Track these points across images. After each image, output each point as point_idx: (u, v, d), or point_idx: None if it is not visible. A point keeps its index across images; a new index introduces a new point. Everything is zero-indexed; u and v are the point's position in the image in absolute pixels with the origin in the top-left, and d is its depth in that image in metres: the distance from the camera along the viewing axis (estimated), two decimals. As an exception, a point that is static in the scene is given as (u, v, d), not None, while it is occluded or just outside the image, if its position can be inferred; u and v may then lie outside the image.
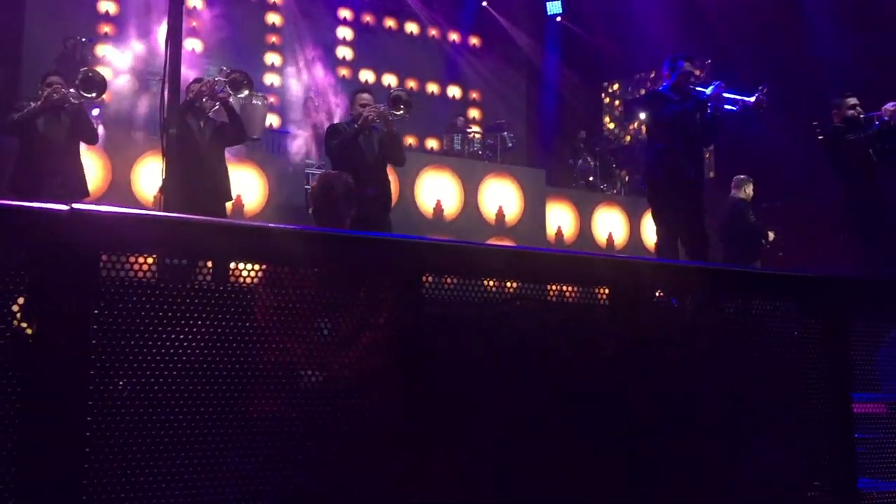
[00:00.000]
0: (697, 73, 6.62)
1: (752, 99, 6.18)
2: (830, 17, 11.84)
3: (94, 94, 7.19)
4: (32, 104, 6.83)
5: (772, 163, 12.66)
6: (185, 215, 1.76)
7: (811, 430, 2.66)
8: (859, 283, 2.95)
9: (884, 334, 3.03)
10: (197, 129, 7.01)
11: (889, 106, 6.58)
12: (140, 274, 1.74)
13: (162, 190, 6.80)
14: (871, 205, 6.68)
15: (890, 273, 6.52)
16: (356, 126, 6.98)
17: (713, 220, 9.05)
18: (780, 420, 2.63)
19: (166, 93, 4.52)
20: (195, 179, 6.84)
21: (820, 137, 7.30)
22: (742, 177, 9.48)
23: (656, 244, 6.56)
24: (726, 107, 6.25)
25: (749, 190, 9.40)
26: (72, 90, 6.90)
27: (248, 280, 1.87)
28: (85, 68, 7.53)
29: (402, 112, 7.19)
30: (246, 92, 7.57)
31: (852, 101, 6.86)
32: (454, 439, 2.18)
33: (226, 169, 7.27)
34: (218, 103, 7.12)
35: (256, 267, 1.90)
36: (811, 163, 9.55)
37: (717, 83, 6.29)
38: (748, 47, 12.45)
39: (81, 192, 6.97)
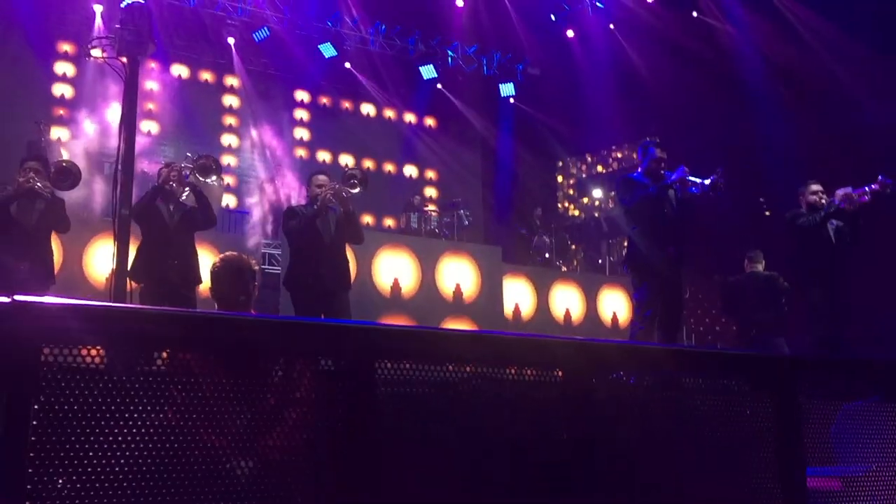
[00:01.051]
0: (665, 158, 6.85)
1: (709, 181, 6.42)
2: (770, 101, 12.32)
3: (67, 184, 7.20)
4: (8, 188, 6.78)
5: (721, 238, 12.95)
6: (128, 305, 1.73)
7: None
8: (810, 362, 2.99)
9: (836, 410, 3.06)
10: (167, 214, 7.02)
11: (840, 191, 6.89)
12: (84, 365, 1.70)
13: (129, 275, 6.81)
14: (827, 283, 6.88)
15: (843, 348, 6.65)
16: (314, 208, 7.01)
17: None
18: (733, 497, 2.62)
19: (119, 176, 4.51)
20: (165, 264, 6.83)
21: (767, 213, 7.57)
22: (751, 253, 9.33)
23: (632, 321, 6.66)
24: (691, 189, 6.47)
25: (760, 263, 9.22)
26: (45, 184, 6.83)
27: (195, 368, 1.84)
28: (60, 160, 7.52)
29: (357, 189, 7.24)
30: (214, 177, 7.58)
31: (815, 187, 7.18)
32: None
33: (195, 253, 7.26)
34: (187, 188, 7.14)
35: (204, 355, 1.87)
36: (758, 238, 9.79)
37: (682, 168, 6.51)
38: (694, 130, 12.85)
39: (48, 279, 6.88)
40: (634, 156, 13.99)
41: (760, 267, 9.06)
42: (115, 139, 5.01)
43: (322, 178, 7.33)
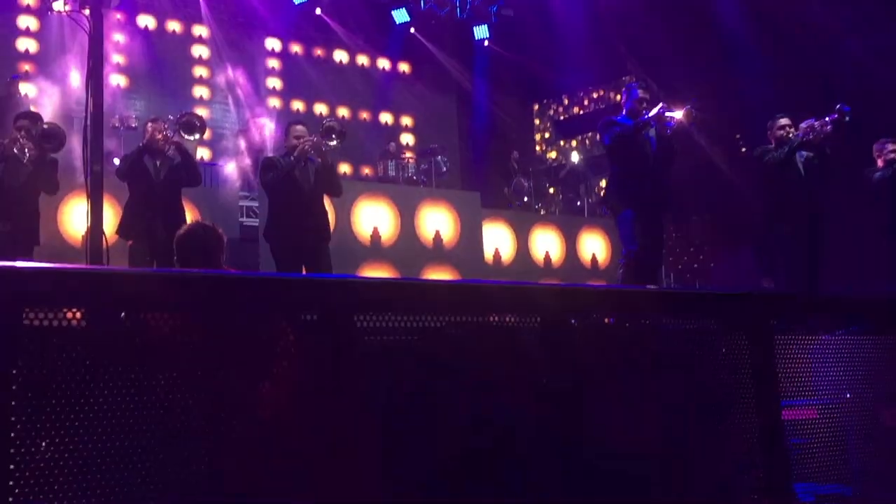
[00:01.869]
0: (650, 97, 6.82)
1: (682, 112, 6.39)
2: (749, 41, 12.27)
3: (51, 147, 7.08)
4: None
5: (699, 178, 13.01)
6: (108, 267, 1.72)
7: (744, 441, 2.71)
8: (781, 297, 3.04)
9: (811, 341, 3.13)
10: (153, 170, 6.98)
11: (803, 124, 6.90)
12: (65, 328, 1.69)
13: (117, 231, 6.79)
14: (797, 216, 6.93)
15: (818, 281, 6.75)
16: (292, 158, 6.95)
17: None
18: (713, 433, 2.68)
19: (89, 131, 4.44)
20: (153, 220, 6.81)
21: (743, 150, 7.62)
22: None
23: (621, 262, 6.67)
24: (669, 124, 6.43)
25: None
26: (29, 145, 6.71)
27: (174, 328, 1.84)
28: (46, 122, 7.37)
29: (335, 142, 7.18)
30: (198, 135, 7.50)
31: (783, 121, 7.17)
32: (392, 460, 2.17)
33: (182, 209, 7.24)
34: (172, 146, 7.08)
35: (186, 314, 1.87)
36: (736, 177, 9.86)
37: (662, 104, 6.48)
38: (669, 69, 12.79)
39: (31, 240, 6.82)
40: (618, 97, 13.95)
41: None
42: (83, 94, 4.91)
43: (300, 128, 7.26)
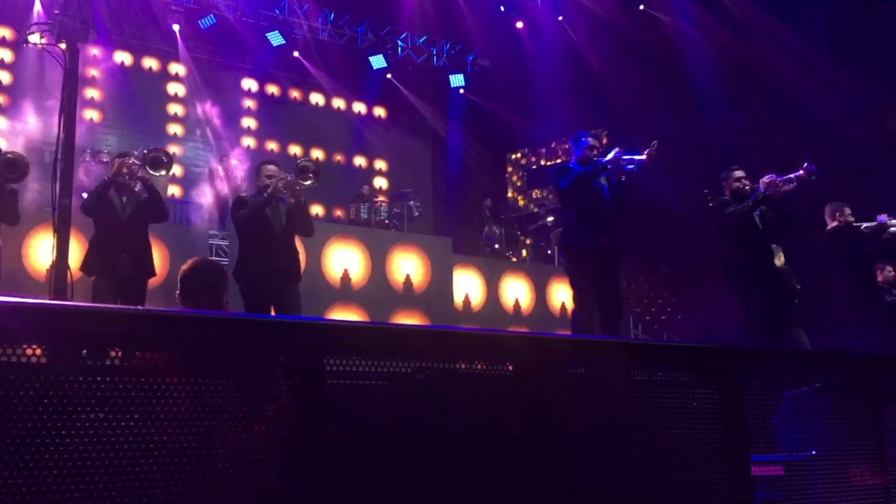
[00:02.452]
0: (599, 145, 6.89)
1: (644, 156, 6.38)
2: (717, 95, 12.53)
3: (14, 177, 7.01)
4: None
5: (669, 230, 13.16)
6: (71, 303, 1.68)
7: (714, 497, 2.70)
8: (752, 353, 3.05)
9: (777, 399, 3.14)
10: (119, 206, 6.91)
11: (765, 178, 6.97)
12: (26, 365, 1.65)
13: (81, 268, 6.68)
14: (757, 272, 6.98)
15: (775, 338, 6.79)
16: (265, 196, 6.92)
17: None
18: (682, 486, 2.66)
19: (59, 165, 4.39)
20: (118, 257, 6.73)
21: (710, 205, 7.68)
22: (772, 246, 9.19)
23: (573, 311, 6.63)
24: (627, 167, 6.44)
25: (780, 258, 9.04)
26: None
27: (142, 367, 1.80)
28: (5, 151, 7.29)
29: (310, 181, 7.17)
30: (164, 171, 7.42)
31: (738, 173, 7.23)
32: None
33: (149, 245, 7.14)
34: (139, 182, 7.02)
35: (151, 353, 1.84)
36: (704, 229, 9.96)
37: (617, 149, 6.51)
38: (642, 122, 13.01)
39: None
40: (567, 146, 14.08)
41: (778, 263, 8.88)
42: (56, 127, 4.87)
43: (271, 167, 7.24)
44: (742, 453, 2.65)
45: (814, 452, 3.24)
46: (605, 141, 13.45)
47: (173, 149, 13.20)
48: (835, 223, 7.89)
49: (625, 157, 6.45)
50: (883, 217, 8.01)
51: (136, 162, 7.08)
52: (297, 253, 7.25)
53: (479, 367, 2.45)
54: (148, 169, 7.13)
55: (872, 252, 7.97)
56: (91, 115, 12.66)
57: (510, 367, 2.38)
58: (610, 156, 6.45)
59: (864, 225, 8.07)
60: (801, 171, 7.03)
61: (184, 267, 3.66)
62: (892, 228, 7.93)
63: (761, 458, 3.02)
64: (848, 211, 7.89)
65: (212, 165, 12.93)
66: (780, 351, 3.41)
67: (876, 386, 3.23)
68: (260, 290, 6.86)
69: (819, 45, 11.55)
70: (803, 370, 3.11)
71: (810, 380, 3.17)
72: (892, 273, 8.60)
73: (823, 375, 3.20)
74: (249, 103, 14.55)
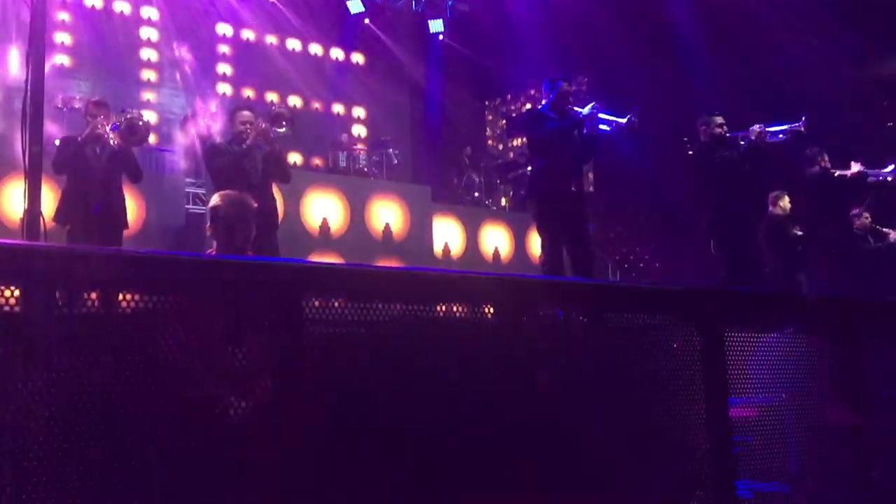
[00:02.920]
0: (573, 91, 6.83)
1: (624, 120, 6.37)
2: (702, 42, 12.44)
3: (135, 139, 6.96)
4: None
5: (646, 177, 13.16)
6: (41, 243, 1.64)
7: (693, 437, 2.73)
8: (733, 295, 3.07)
9: (755, 342, 3.17)
10: (92, 156, 6.79)
11: (756, 127, 6.96)
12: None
13: (54, 217, 6.59)
14: (736, 218, 7.02)
15: (752, 282, 6.87)
16: (244, 147, 6.82)
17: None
18: (662, 428, 2.69)
19: (28, 109, 4.28)
20: (90, 205, 6.65)
21: (690, 153, 7.68)
22: (776, 193, 9.09)
23: (541, 258, 6.66)
24: (601, 126, 6.43)
25: (785, 203, 8.96)
26: None
27: (119, 310, 1.77)
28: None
29: (284, 129, 7.07)
30: (138, 139, 7.28)
31: (719, 119, 7.22)
32: (338, 457, 2.12)
33: (122, 196, 7.05)
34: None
35: (131, 296, 1.80)
36: (683, 176, 9.97)
37: (594, 104, 6.46)
38: (625, 68, 12.91)
39: None
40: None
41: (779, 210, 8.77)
42: (24, 72, 4.74)
43: (246, 113, 7.13)
44: (721, 395, 2.68)
45: (784, 395, 3.28)
46: (584, 89, 13.36)
47: (147, 95, 12.98)
48: (815, 168, 7.91)
49: (601, 114, 6.41)
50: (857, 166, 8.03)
51: (109, 126, 6.93)
52: (274, 200, 7.20)
53: (457, 310, 2.44)
54: (124, 136, 7.03)
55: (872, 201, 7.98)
56: (62, 59, 12.36)
57: (489, 310, 2.38)
58: (586, 110, 6.41)
59: (838, 172, 8.10)
60: (799, 123, 7.01)
61: (215, 199, 3.63)
62: (870, 178, 7.97)
63: (736, 400, 3.05)
64: (826, 158, 7.91)
65: (186, 112, 12.71)
66: (760, 293, 3.43)
67: (854, 329, 3.27)
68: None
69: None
70: (780, 312, 3.13)
71: (789, 323, 3.20)
72: (868, 220, 8.68)
73: (803, 318, 3.23)
74: (224, 49, 14.25)
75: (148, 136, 7.53)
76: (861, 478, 3.30)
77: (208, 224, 3.62)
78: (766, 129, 7.03)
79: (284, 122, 7.09)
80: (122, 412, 1.77)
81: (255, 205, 3.87)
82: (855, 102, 11.81)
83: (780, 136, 7.05)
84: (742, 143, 7.01)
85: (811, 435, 3.28)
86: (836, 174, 7.86)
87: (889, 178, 7.52)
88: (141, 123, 7.25)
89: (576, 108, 6.48)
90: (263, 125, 6.94)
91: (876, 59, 13.04)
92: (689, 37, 12.44)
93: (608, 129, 6.44)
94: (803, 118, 7.04)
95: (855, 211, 8.45)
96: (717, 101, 10.20)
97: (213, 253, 3.55)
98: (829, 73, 11.99)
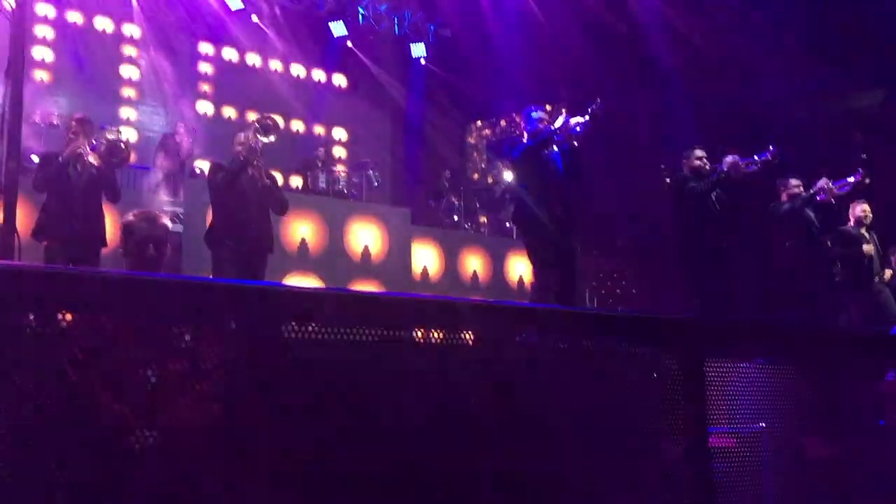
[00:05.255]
0: (548, 117, 6.87)
1: (587, 117, 6.33)
2: (680, 73, 12.61)
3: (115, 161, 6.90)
4: None
5: (623, 205, 13.25)
6: (15, 263, 1.60)
7: (673, 468, 2.72)
8: (712, 325, 3.08)
9: (732, 371, 3.17)
10: (73, 175, 6.74)
11: (728, 158, 7.02)
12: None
13: (32, 234, 6.52)
14: (707, 249, 7.06)
15: (724, 313, 6.90)
16: (240, 160, 6.78)
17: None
18: (641, 458, 2.68)
19: (6, 125, 4.25)
20: (69, 224, 6.59)
21: (667, 181, 7.75)
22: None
23: (532, 284, 6.66)
24: (575, 131, 6.37)
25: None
26: None
27: (93, 332, 1.74)
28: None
29: (267, 137, 7.01)
30: (118, 160, 7.24)
31: (699, 152, 7.29)
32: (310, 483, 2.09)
33: (101, 214, 6.99)
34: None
35: (102, 318, 1.77)
36: (660, 204, 10.05)
37: (565, 115, 6.46)
38: (603, 96, 13.01)
39: None
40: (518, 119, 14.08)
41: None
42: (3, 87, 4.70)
43: (242, 135, 7.15)
44: (700, 425, 2.67)
45: (763, 424, 3.28)
46: (562, 111, 13.45)
47: (126, 112, 12.91)
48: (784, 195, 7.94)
49: (571, 120, 6.40)
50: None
51: (90, 157, 6.88)
52: (269, 223, 7.18)
53: (437, 335, 2.42)
54: (104, 156, 6.99)
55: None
56: (41, 75, 12.28)
57: (468, 337, 2.36)
58: (558, 122, 6.41)
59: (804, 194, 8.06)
60: (767, 154, 7.09)
61: (127, 215, 3.61)
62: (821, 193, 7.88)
63: (714, 429, 3.05)
64: (793, 182, 7.95)
65: (166, 130, 12.65)
66: (738, 323, 3.44)
67: (832, 359, 3.28)
68: (233, 258, 6.77)
69: (775, 26, 11.66)
70: (761, 342, 3.14)
71: (767, 352, 3.21)
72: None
73: (780, 347, 3.24)
74: (206, 68, 14.22)
75: (129, 157, 7.51)
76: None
77: (120, 241, 3.60)
78: (740, 160, 7.10)
79: (271, 131, 7.06)
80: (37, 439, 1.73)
81: (168, 223, 3.86)
82: (829, 135, 11.99)
83: (753, 166, 7.13)
84: (714, 175, 7.07)
85: (789, 465, 3.28)
86: (801, 199, 7.82)
87: (853, 180, 7.54)
88: (122, 145, 7.22)
89: (550, 126, 6.48)
90: (249, 134, 6.91)
91: (850, 92, 13.27)
92: (667, 67, 12.60)
93: (580, 130, 6.38)
94: (770, 147, 7.12)
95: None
96: (694, 131, 10.31)
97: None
98: (805, 105, 12.17)
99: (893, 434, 3.67)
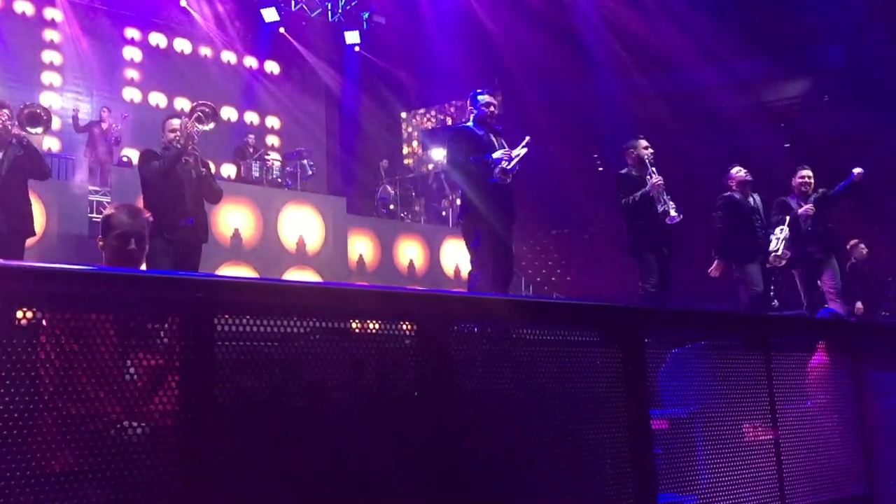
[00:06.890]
0: (495, 102, 6.85)
1: (524, 148, 6.40)
2: (609, 61, 12.76)
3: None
4: None
5: (557, 192, 13.39)
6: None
7: (615, 451, 2.73)
8: (654, 312, 3.11)
9: (671, 354, 3.22)
10: None
11: (655, 179, 7.04)
12: None
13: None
14: (654, 238, 7.13)
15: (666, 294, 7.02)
16: (177, 148, 6.54)
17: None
18: (584, 442, 2.69)
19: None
20: None
21: (600, 169, 7.83)
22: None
23: (470, 272, 6.64)
24: (513, 168, 6.45)
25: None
26: None
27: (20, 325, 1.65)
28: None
29: (204, 125, 6.79)
30: (43, 129, 6.94)
31: (644, 143, 7.34)
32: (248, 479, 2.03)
33: (28, 201, 6.68)
34: (14, 140, 6.53)
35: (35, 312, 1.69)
36: (595, 192, 10.17)
37: (505, 151, 6.41)
38: (536, 85, 13.10)
39: None
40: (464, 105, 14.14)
41: None
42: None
43: (176, 122, 6.86)
44: (643, 409, 2.69)
45: (693, 409, 3.34)
46: (499, 100, 13.48)
47: (50, 98, 12.46)
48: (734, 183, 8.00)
49: (513, 155, 6.41)
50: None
51: (12, 122, 6.59)
52: (205, 214, 6.96)
53: (374, 326, 2.38)
54: (25, 127, 6.70)
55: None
56: (-44, 60, 11.77)
57: (408, 327, 2.32)
58: (498, 154, 6.39)
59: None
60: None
61: (108, 209, 3.46)
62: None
63: (652, 413, 3.08)
64: (736, 169, 8.03)
65: (92, 118, 12.26)
66: (679, 310, 3.48)
67: (768, 344, 3.35)
68: (168, 249, 6.55)
69: (706, 17, 11.88)
70: (700, 328, 3.18)
71: (703, 337, 3.26)
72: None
73: (718, 333, 3.29)
74: (132, 53, 13.82)
75: (50, 121, 7.20)
76: (773, 491, 3.38)
77: (99, 236, 3.45)
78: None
79: (209, 118, 6.84)
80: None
81: (150, 217, 3.70)
82: (755, 123, 12.29)
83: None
84: (647, 188, 7.10)
85: (723, 447, 3.34)
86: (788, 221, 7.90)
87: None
88: (40, 111, 6.96)
89: (512, 153, 6.43)
90: (186, 122, 6.67)
91: (775, 83, 13.63)
92: (599, 57, 12.74)
93: (518, 167, 6.47)
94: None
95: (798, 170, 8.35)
96: (628, 119, 10.45)
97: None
98: (733, 95, 12.45)
99: (820, 414, 3.78)
